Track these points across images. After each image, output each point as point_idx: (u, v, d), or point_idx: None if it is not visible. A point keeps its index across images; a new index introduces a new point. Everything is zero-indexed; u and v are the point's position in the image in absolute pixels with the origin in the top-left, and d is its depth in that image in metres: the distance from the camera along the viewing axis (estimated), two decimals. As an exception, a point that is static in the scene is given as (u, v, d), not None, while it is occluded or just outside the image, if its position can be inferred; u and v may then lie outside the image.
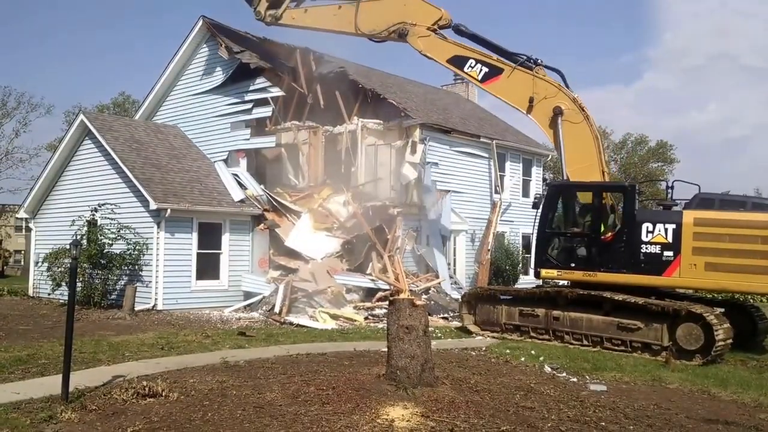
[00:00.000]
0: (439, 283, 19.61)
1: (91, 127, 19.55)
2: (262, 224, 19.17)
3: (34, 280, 21.58)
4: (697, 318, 11.45)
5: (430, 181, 21.18)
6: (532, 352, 11.66)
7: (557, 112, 14.33)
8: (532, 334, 13.44)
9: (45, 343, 11.55)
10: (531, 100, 14.67)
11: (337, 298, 16.88)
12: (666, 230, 12.56)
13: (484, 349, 12.08)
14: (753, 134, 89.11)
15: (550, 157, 28.40)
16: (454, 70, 16.18)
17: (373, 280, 18.01)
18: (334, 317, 15.81)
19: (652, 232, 12.69)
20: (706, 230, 12.23)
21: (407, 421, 6.81)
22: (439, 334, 13.82)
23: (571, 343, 12.74)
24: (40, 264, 19.76)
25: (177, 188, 18.33)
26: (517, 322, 13.70)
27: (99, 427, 6.58)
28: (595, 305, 12.63)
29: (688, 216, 12.50)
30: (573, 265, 13.62)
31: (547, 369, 10.23)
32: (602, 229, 13.52)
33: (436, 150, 22.05)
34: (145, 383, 7.86)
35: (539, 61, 14.97)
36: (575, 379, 9.63)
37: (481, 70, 15.38)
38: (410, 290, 16.77)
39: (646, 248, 12.72)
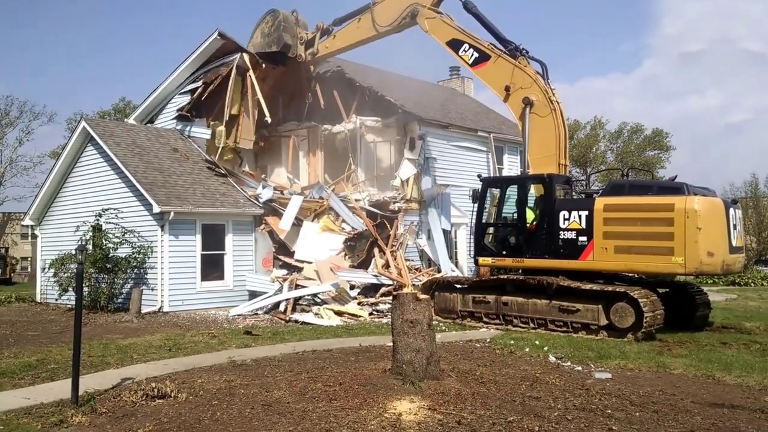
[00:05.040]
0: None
1: (93, 134, 19.63)
2: (262, 226, 19.22)
3: (41, 286, 21.70)
4: (629, 299, 12.07)
5: (429, 176, 21.23)
6: (536, 342, 11.69)
7: (527, 103, 14.81)
8: (485, 319, 13.99)
9: (54, 348, 11.61)
10: (507, 89, 15.18)
11: (341, 295, 16.93)
12: (580, 217, 13.09)
13: (488, 340, 12.11)
14: (754, 118, 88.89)
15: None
16: (451, 52, 16.78)
17: (376, 276, 18.06)
18: (339, 314, 15.86)
19: (569, 219, 13.22)
20: (614, 215, 12.72)
21: (414, 414, 6.82)
22: (443, 327, 13.89)
23: (519, 326, 13.32)
24: (46, 270, 19.87)
25: (179, 191, 18.38)
26: (471, 308, 14.34)
27: (109, 430, 6.62)
28: (540, 290, 13.19)
29: (599, 203, 13.02)
30: (504, 252, 14.33)
31: (552, 359, 10.26)
32: (529, 218, 14.03)
33: (435, 145, 22.09)
34: (153, 385, 7.91)
35: (525, 51, 15.31)
36: (580, 368, 9.65)
37: (472, 54, 16.06)
38: (413, 285, 16.84)
39: (564, 234, 13.30)
